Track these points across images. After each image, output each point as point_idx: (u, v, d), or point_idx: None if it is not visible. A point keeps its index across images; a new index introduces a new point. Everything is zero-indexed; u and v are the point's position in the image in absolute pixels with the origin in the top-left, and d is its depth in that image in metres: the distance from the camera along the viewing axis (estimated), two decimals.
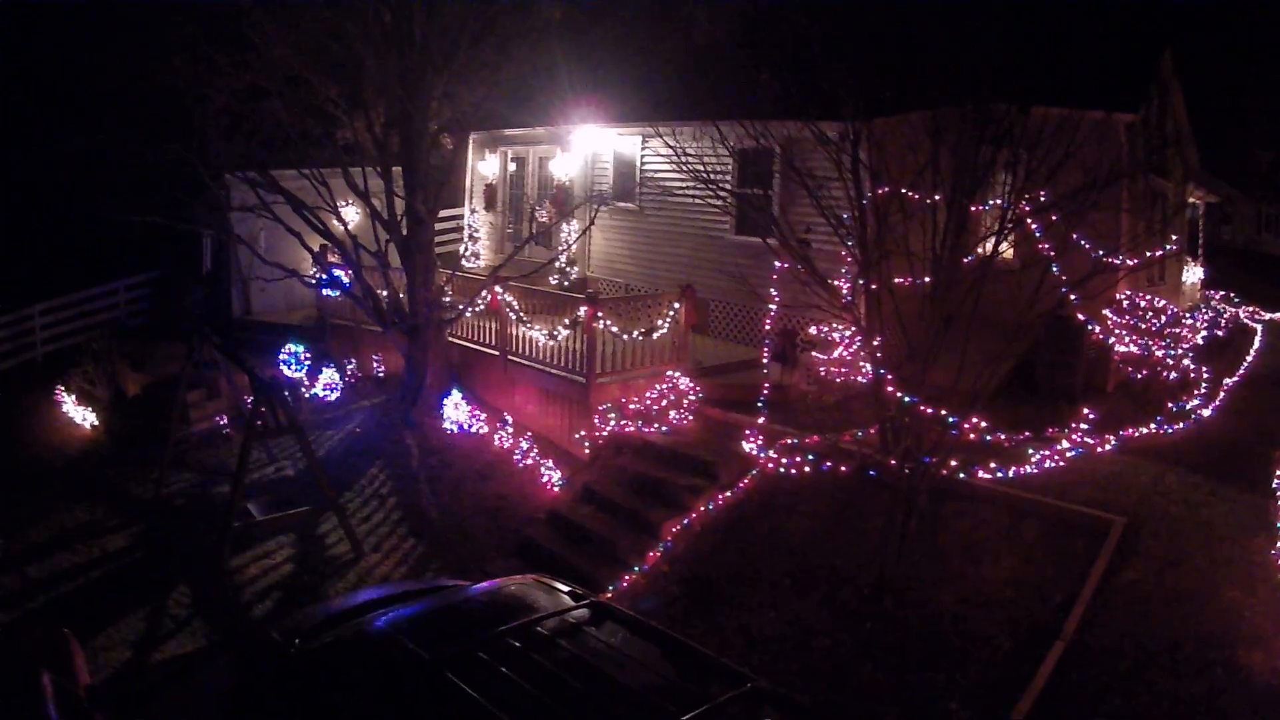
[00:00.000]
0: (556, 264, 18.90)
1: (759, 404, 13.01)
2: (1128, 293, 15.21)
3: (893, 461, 11.10)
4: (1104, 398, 14.40)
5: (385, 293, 15.82)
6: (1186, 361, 15.29)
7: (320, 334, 19.17)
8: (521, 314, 14.54)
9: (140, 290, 23.96)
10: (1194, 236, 22.61)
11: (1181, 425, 13.86)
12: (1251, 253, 38.11)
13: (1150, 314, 14.91)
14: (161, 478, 14.30)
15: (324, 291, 18.21)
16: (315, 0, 15.15)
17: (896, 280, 11.82)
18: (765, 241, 12.87)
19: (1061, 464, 11.89)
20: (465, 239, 23.32)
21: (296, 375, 17.34)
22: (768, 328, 13.33)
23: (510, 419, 14.33)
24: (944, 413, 11.12)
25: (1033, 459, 11.76)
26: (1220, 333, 20.89)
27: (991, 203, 12.19)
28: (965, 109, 11.69)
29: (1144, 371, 14.82)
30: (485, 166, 22.99)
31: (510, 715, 5.33)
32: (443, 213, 20.50)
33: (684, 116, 16.70)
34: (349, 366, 18.10)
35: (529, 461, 13.42)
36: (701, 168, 12.23)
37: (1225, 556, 9.94)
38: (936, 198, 11.62)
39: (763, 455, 11.95)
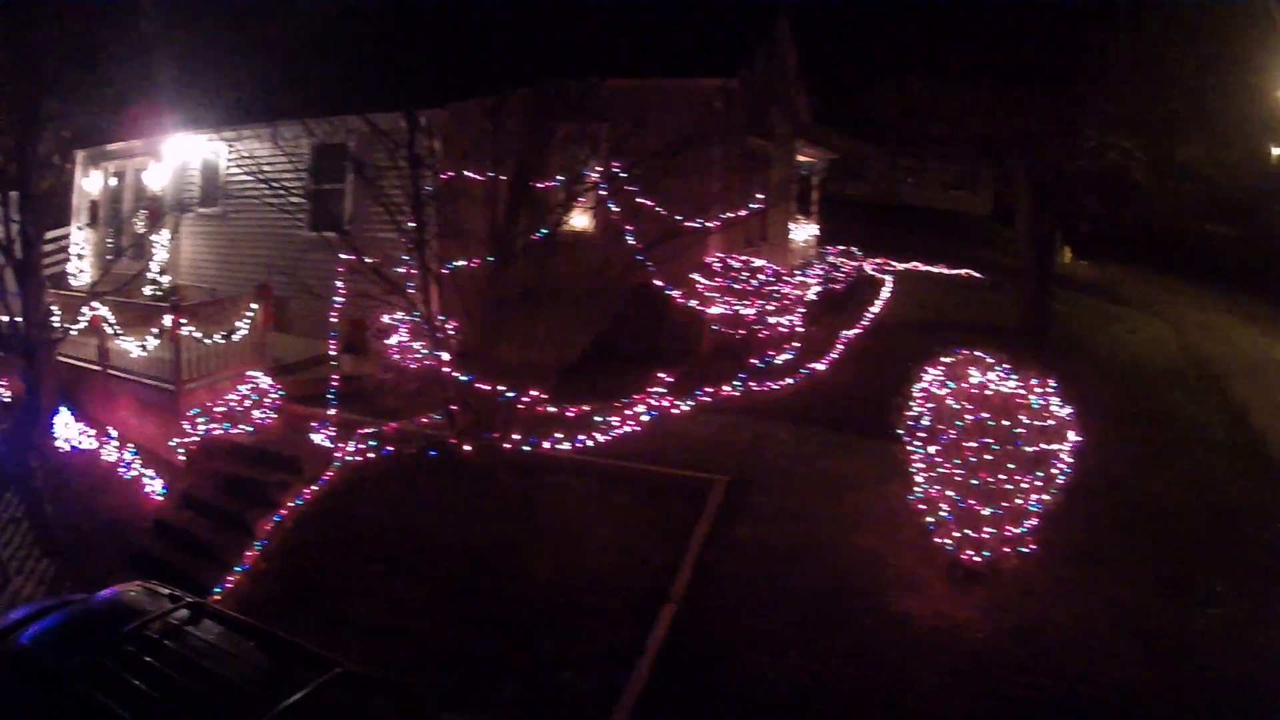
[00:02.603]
0: (149, 274, 18.69)
1: (330, 397, 13.00)
2: (719, 255, 15.78)
3: (453, 440, 11.21)
4: (698, 360, 14.97)
5: (5, 318, 14.97)
6: (794, 318, 15.97)
7: None
8: (117, 327, 14.17)
9: None
10: (806, 194, 23.80)
11: (790, 380, 14.49)
12: (886, 206, 40.84)
13: (746, 274, 15.44)
14: None
15: None
16: None
17: (463, 262, 11.89)
18: (323, 235, 12.90)
19: (639, 429, 12.28)
20: (73, 257, 22.51)
21: None
22: (334, 320, 13.19)
23: (115, 432, 13.92)
24: (501, 388, 11.27)
25: (609, 426, 12.09)
26: (838, 287, 22.15)
27: (560, 178, 12.38)
28: (526, 89, 11.84)
29: (741, 331, 15.41)
30: (89, 183, 22.37)
31: (131, 714, 5.82)
32: (54, 232, 20.02)
33: (250, 121, 16.96)
34: None
35: (134, 473, 13.10)
36: (267, 168, 12.02)
37: (855, 506, 10.23)
38: (502, 178, 11.74)
39: (337, 447, 11.90)
